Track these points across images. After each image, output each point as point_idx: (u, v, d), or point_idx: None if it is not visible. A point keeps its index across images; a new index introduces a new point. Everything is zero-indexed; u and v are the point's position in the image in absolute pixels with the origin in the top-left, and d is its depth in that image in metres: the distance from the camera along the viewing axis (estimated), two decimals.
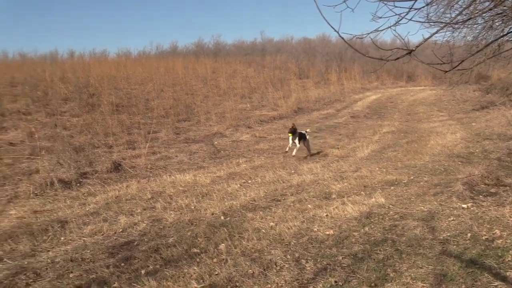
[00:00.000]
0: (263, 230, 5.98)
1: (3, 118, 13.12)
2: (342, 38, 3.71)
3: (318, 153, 11.73)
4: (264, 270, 4.77)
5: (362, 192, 7.67)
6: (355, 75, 33.04)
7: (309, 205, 7.00)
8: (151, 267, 4.97)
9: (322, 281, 4.47)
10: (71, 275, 4.82)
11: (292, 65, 33.40)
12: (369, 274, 4.56)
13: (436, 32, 4.17)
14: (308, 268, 4.79)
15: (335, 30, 3.55)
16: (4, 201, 7.74)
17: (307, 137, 11.49)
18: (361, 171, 9.31)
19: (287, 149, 11.28)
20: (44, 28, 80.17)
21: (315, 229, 5.96)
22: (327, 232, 5.82)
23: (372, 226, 5.99)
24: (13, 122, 12.90)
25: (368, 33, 4.07)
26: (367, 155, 11.26)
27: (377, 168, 9.50)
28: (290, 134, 11.07)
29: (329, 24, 3.45)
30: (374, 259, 4.91)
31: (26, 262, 5.21)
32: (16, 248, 5.64)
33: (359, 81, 32.63)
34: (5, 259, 5.30)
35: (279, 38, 70.63)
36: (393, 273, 4.58)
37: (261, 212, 6.77)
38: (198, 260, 5.09)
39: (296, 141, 11.14)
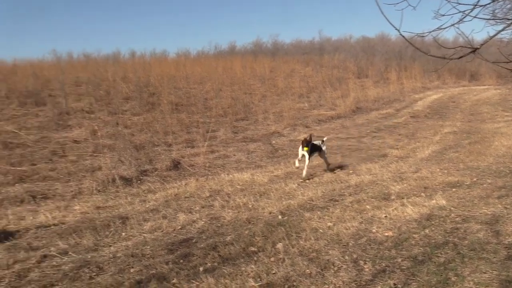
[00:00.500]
0: (321, 230, 5.94)
1: (68, 116, 13.62)
2: (403, 36, 3.63)
3: (340, 167, 10.13)
4: (322, 270, 4.74)
5: (422, 194, 7.49)
6: (415, 74, 32.25)
7: (367, 206, 6.89)
8: (209, 264, 5.03)
9: (380, 283, 4.40)
10: (132, 270, 4.95)
11: (350, 64, 32.93)
12: (430, 277, 4.45)
13: (502, 30, 3.99)
14: (367, 270, 4.72)
15: (396, 29, 3.48)
16: (69, 196, 8.06)
17: (323, 148, 9.80)
18: (421, 172, 9.10)
19: (297, 164, 9.30)
20: (107, 29, 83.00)
21: (374, 230, 5.87)
22: (386, 234, 5.72)
23: (433, 229, 5.84)
24: (78, 120, 13.36)
25: (430, 31, 3.96)
26: (427, 155, 10.99)
27: (438, 169, 9.26)
28: (306, 149, 9.05)
29: (390, 23, 3.39)
30: (434, 262, 4.79)
31: (89, 256, 5.40)
32: (80, 242, 5.85)
33: (419, 80, 31.81)
34: (70, 253, 5.50)
35: (337, 37, 69.31)
36: (455, 277, 4.44)
37: (318, 212, 6.72)
38: (255, 258, 5.12)
39: (306, 155, 9.12)
